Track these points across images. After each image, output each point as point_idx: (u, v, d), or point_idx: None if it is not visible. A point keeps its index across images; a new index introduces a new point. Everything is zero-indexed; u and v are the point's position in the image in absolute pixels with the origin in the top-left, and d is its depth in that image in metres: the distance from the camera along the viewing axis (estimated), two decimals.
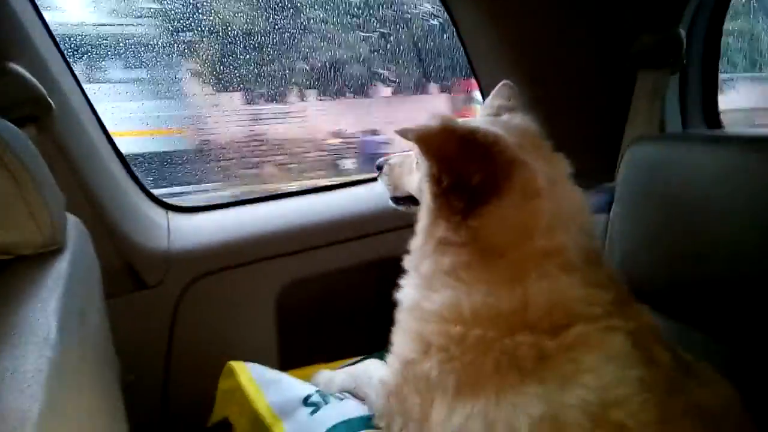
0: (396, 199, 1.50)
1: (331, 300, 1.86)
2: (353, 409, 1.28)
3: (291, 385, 1.39)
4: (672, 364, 0.95)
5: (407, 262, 1.14)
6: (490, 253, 0.97)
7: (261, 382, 1.38)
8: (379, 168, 1.51)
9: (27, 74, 1.27)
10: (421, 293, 1.04)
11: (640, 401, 0.85)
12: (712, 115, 2.01)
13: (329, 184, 2.06)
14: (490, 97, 1.36)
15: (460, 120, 1.03)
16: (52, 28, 1.48)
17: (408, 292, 1.10)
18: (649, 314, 1.03)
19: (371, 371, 1.32)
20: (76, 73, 1.57)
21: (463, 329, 0.94)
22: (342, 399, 1.33)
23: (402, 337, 1.07)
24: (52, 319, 0.63)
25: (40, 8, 1.44)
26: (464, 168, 0.99)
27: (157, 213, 1.76)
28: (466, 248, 0.99)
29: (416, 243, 1.13)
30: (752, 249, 1.12)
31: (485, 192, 0.98)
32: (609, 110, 1.86)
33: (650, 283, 1.31)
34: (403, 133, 1.01)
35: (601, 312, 0.92)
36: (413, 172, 1.37)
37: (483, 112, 1.33)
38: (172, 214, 1.79)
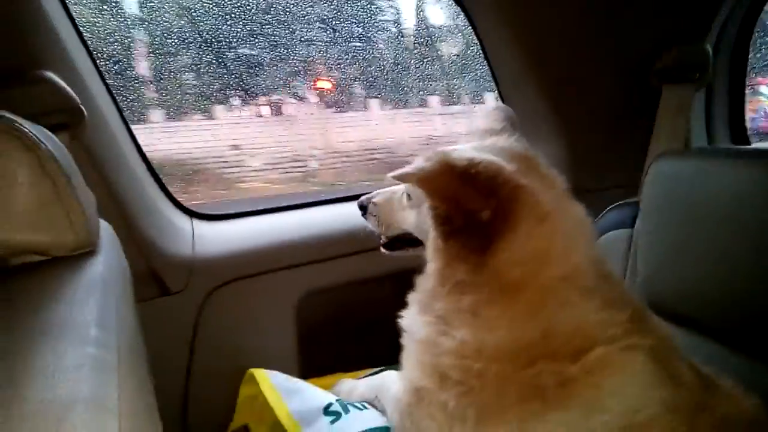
0: (389, 244, 1.43)
1: (351, 309, 1.87)
2: (373, 419, 1.28)
3: (312, 394, 1.40)
4: (694, 379, 0.94)
5: (413, 298, 1.10)
6: (511, 287, 0.94)
7: (282, 390, 1.39)
8: (363, 207, 1.44)
9: (62, 82, 1.31)
10: (436, 329, 1.00)
11: (666, 423, 0.85)
12: (739, 130, 1.99)
13: (351, 194, 2.07)
14: (476, 121, 1.32)
15: (453, 150, 0.99)
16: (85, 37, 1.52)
17: (418, 327, 1.05)
18: (666, 328, 1.02)
19: (389, 383, 1.31)
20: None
21: (483, 365, 0.92)
22: (363, 409, 1.33)
23: (414, 366, 1.04)
24: (91, 318, 0.65)
25: (75, 18, 1.47)
26: (471, 205, 0.95)
27: (182, 220, 1.79)
28: (487, 286, 0.95)
29: (428, 284, 1.07)
30: None
31: (497, 226, 0.95)
32: (634, 125, 1.86)
33: (674, 298, 1.30)
34: (402, 177, 0.97)
35: (620, 332, 0.91)
36: (405, 208, 1.33)
37: (469, 137, 1.28)
38: (196, 222, 1.81)
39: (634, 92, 1.84)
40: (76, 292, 0.72)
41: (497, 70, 1.97)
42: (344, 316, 1.88)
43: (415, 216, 1.28)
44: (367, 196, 1.45)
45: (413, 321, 1.07)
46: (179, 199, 1.84)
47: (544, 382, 0.88)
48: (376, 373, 1.53)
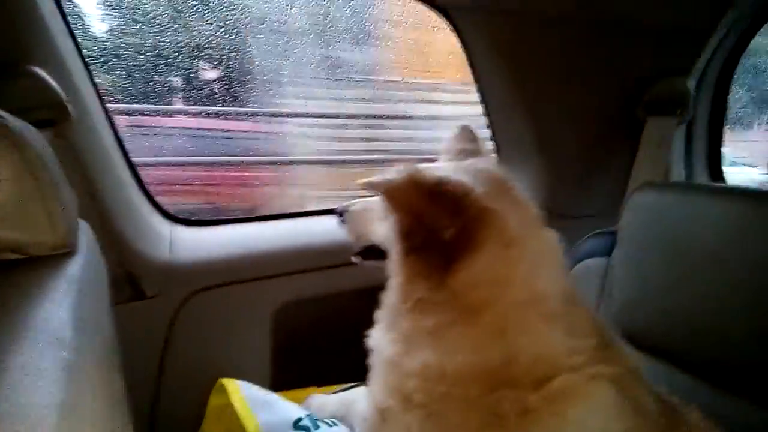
0: (362, 254, 1.42)
1: (327, 323, 1.86)
2: None
3: (282, 407, 1.38)
4: (658, 410, 0.94)
5: (380, 315, 1.10)
6: (472, 309, 0.93)
7: (252, 402, 1.37)
8: (340, 215, 1.43)
9: (48, 78, 1.29)
10: (401, 349, 0.99)
11: None
12: (715, 167, 2.04)
13: (331, 207, 2.07)
14: (450, 140, 1.32)
15: (426, 167, 0.99)
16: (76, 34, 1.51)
17: (384, 345, 1.04)
18: (633, 357, 1.02)
19: (359, 401, 1.29)
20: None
21: (446, 389, 0.91)
22: (332, 425, 1.32)
23: (379, 386, 1.03)
24: (67, 320, 0.64)
25: (67, 15, 1.46)
26: (436, 223, 0.95)
27: (161, 224, 1.77)
28: (448, 306, 0.95)
29: (391, 300, 1.07)
30: (750, 301, 1.13)
31: (460, 247, 0.95)
32: (616, 155, 1.89)
33: (647, 329, 1.31)
34: (369, 186, 0.96)
35: (584, 360, 0.91)
36: (377, 220, 1.32)
37: (445, 156, 1.29)
38: (176, 227, 1.80)
39: (618, 123, 1.87)
40: (53, 292, 0.70)
41: (486, 94, 1.99)
42: (321, 329, 1.87)
43: (384, 228, 1.27)
44: (346, 204, 1.44)
45: (380, 339, 1.07)
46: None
47: (505, 410, 0.87)
48: (348, 388, 1.52)
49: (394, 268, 1.07)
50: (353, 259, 1.43)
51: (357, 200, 1.43)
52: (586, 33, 1.69)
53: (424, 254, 0.98)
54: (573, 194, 1.98)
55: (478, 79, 1.97)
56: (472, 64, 1.94)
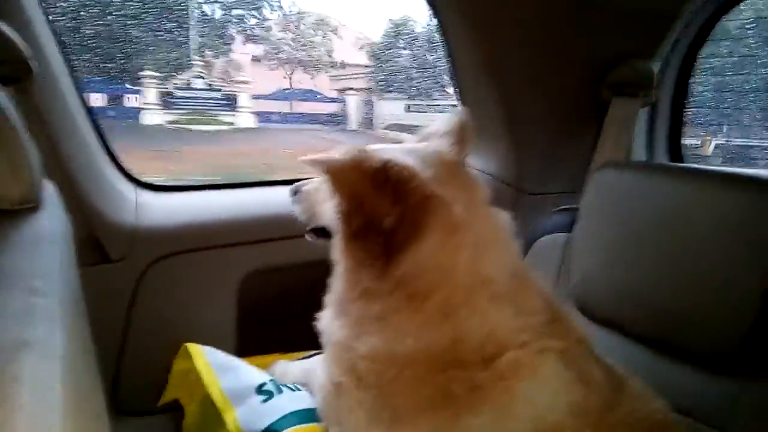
0: (314, 232, 1.35)
1: (293, 291, 1.86)
2: (305, 400, 1.30)
3: (246, 372, 1.40)
4: (604, 380, 0.97)
5: (329, 298, 1.09)
6: (417, 296, 0.94)
7: (216, 367, 1.39)
8: (294, 193, 1.37)
9: (11, 33, 1.26)
10: (351, 333, 1.00)
11: (573, 427, 0.89)
12: (675, 148, 2.10)
13: (300, 177, 2.06)
14: (437, 123, 1.26)
15: (376, 149, 0.97)
16: None
17: (334, 328, 1.04)
18: (584, 330, 1.04)
19: (318, 370, 1.29)
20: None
21: (396, 371, 0.93)
22: (295, 390, 1.35)
23: (332, 364, 1.04)
24: (35, 269, 0.64)
25: None
26: (376, 208, 0.93)
27: (126, 188, 1.75)
28: (394, 295, 0.94)
29: (337, 287, 1.05)
30: (704, 277, 1.18)
31: (403, 235, 0.93)
32: (582, 134, 1.92)
33: (604, 303, 1.36)
34: (313, 164, 0.93)
35: (532, 336, 0.93)
36: (326, 201, 1.25)
37: (415, 138, 1.25)
38: (141, 191, 1.78)
39: (584, 102, 1.90)
40: (20, 244, 0.71)
41: (457, 67, 2.00)
42: (287, 297, 1.88)
43: (330, 210, 1.20)
44: (300, 183, 1.38)
45: (329, 323, 1.07)
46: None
47: (455, 388, 0.89)
48: (311, 356, 1.55)
49: (338, 254, 1.05)
50: (306, 236, 1.38)
51: (310, 179, 1.37)
52: (555, 8, 1.70)
53: (364, 242, 0.96)
54: (540, 171, 2.01)
55: (450, 53, 1.97)
56: (446, 38, 1.94)
